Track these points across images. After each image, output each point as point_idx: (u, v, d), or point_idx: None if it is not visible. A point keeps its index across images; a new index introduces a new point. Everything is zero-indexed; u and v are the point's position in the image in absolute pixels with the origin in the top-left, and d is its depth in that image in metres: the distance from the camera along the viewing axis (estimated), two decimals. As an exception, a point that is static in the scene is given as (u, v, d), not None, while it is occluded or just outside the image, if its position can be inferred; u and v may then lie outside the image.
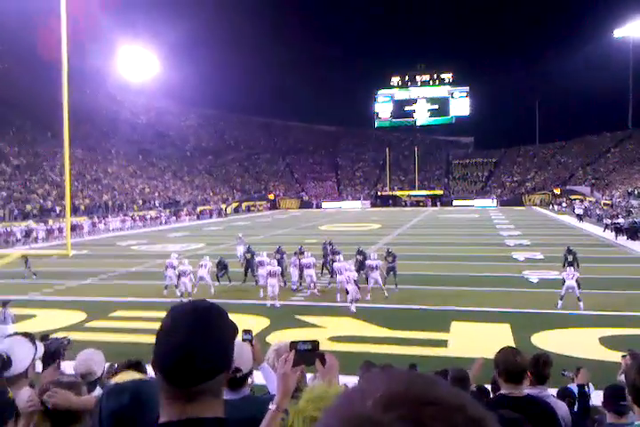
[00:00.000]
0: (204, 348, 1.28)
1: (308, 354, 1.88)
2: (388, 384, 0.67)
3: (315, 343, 1.90)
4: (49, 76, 46.57)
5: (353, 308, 13.84)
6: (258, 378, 3.09)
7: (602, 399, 4.40)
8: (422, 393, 0.65)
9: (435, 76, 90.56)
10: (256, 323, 12.73)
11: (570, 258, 16.52)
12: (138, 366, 3.57)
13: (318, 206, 71.42)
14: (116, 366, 4.40)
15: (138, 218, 45.22)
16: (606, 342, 10.74)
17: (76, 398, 2.80)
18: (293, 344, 1.90)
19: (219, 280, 17.71)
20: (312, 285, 16.02)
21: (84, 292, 17.18)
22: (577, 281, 13.61)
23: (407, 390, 0.65)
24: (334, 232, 36.58)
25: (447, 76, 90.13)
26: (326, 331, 12.00)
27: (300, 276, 16.72)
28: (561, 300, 13.62)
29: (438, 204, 68.83)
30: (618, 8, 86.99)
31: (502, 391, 3.44)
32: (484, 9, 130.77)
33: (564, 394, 5.72)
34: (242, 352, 2.85)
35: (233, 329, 1.41)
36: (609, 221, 31.90)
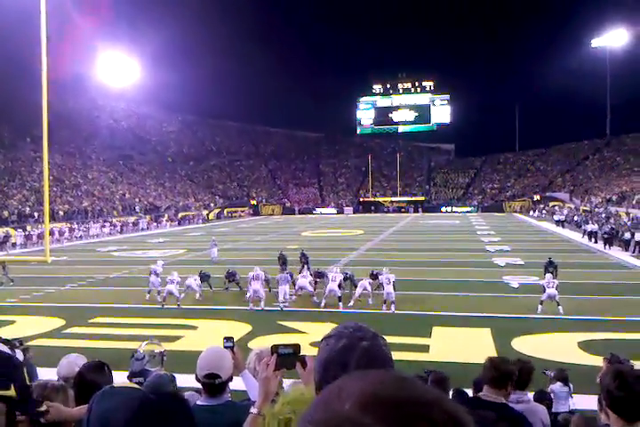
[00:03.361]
0: None
1: (289, 358, 1.88)
2: (365, 385, 0.69)
3: (296, 347, 1.90)
4: (28, 81, 46.07)
5: (393, 308, 14.18)
6: (238, 384, 3.07)
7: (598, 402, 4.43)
8: (398, 393, 0.67)
9: (416, 83, 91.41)
10: (238, 329, 12.67)
11: (550, 269, 16.71)
12: (100, 368, 3.51)
13: (301, 212, 71.42)
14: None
15: (118, 224, 44.80)
16: (585, 346, 10.86)
17: (67, 410, 2.76)
18: (274, 348, 1.90)
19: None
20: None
21: (63, 298, 16.95)
22: (556, 288, 13.80)
23: (383, 391, 0.67)
24: (316, 238, 36.60)
25: (428, 84, 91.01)
26: (309, 336, 11.94)
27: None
28: (541, 304, 13.76)
29: (420, 210, 69.28)
30: (595, 19, 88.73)
31: (480, 394, 3.46)
32: (465, 18, 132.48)
33: (542, 398, 5.79)
34: (222, 359, 2.83)
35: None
36: (588, 228, 32.31)
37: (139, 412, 1.28)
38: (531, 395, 5.00)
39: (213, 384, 2.76)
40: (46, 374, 5.78)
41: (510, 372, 3.45)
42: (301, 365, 1.87)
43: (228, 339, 2.95)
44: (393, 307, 14.32)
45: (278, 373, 1.87)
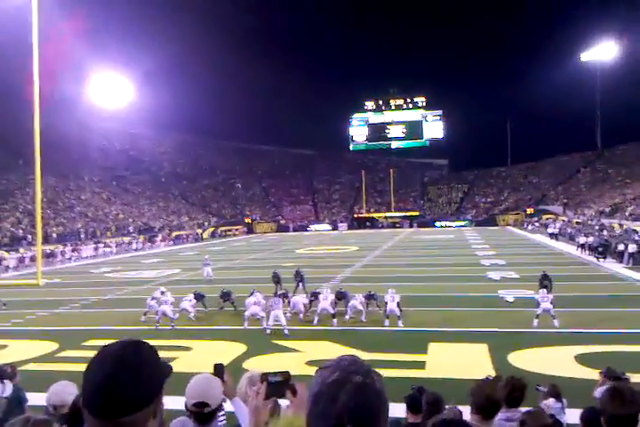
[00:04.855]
0: (126, 381, 1.30)
1: (279, 386, 1.88)
2: None
3: (286, 375, 1.90)
4: (20, 103, 46.26)
5: (400, 323, 14.33)
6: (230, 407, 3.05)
7: (580, 422, 4.43)
8: None
9: (408, 100, 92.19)
10: (233, 349, 12.58)
11: (545, 283, 16.69)
12: None
13: (295, 230, 71.38)
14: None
15: (112, 244, 44.60)
16: (581, 359, 10.82)
17: None
18: (264, 376, 1.90)
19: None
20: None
21: (56, 321, 16.79)
22: (551, 302, 13.79)
23: None
24: (311, 255, 36.54)
25: (420, 100, 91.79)
26: (304, 355, 11.88)
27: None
28: (536, 319, 13.74)
29: (414, 225, 69.36)
30: (583, 33, 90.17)
31: (471, 421, 3.45)
32: (456, 34, 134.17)
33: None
34: (210, 387, 2.79)
35: (162, 367, 1.43)
36: (582, 240, 32.42)
37: None
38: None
39: (202, 413, 2.72)
40: (39, 400, 5.71)
41: (499, 400, 3.44)
42: (291, 393, 1.87)
43: (217, 366, 2.88)
44: (400, 322, 14.38)
45: (268, 402, 1.86)
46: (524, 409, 4.21)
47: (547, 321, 13.61)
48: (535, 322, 13.70)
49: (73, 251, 39.31)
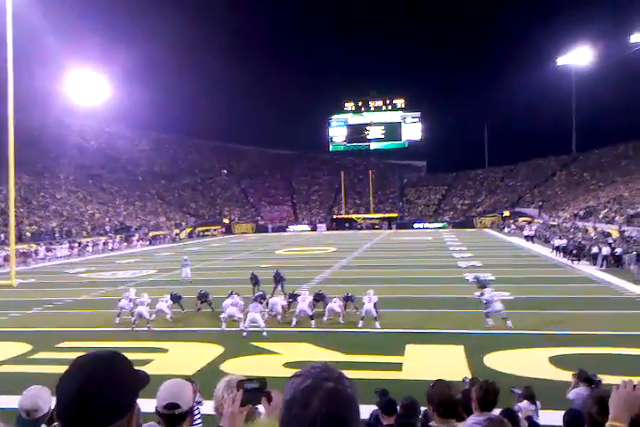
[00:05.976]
0: (98, 394, 1.30)
1: (255, 393, 1.89)
2: None
3: (262, 381, 1.92)
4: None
5: (377, 324, 14.40)
6: (209, 409, 3.04)
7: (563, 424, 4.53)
8: None
9: (387, 101, 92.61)
10: (210, 351, 12.50)
11: (483, 283, 16.87)
12: None
13: (274, 230, 71.25)
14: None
15: (88, 244, 44.01)
16: (556, 361, 10.97)
17: None
18: (240, 384, 1.90)
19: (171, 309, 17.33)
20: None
21: (29, 322, 16.51)
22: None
23: None
24: (290, 256, 36.50)
25: (399, 102, 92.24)
26: (282, 357, 11.86)
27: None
28: (488, 318, 13.85)
29: (393, 226, 69.73)
30: (559, 38, 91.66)
31: (432, 424, 3.52)
32: (435, 38, 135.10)
33: (507, 416, 5.81)
34: (182, 389, 2.79)
35: (136, 378, 1.44)
36: (556, 243, 32.87)
37: None
38: (496, 411, 5.03)
39: (173, 415, 2.69)
40: (12, 403, 5.62)
41: (456, 402, 3.52)
42: (267, 400, 1.88)
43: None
44: (377, 323, 14.43)
45: (244, 409, 1.87)
46: (497, 412, 4.27)
47: (521, 323, 13.77)
48: (489, 321, 13.78)
49: (47, 250, 38.71)
